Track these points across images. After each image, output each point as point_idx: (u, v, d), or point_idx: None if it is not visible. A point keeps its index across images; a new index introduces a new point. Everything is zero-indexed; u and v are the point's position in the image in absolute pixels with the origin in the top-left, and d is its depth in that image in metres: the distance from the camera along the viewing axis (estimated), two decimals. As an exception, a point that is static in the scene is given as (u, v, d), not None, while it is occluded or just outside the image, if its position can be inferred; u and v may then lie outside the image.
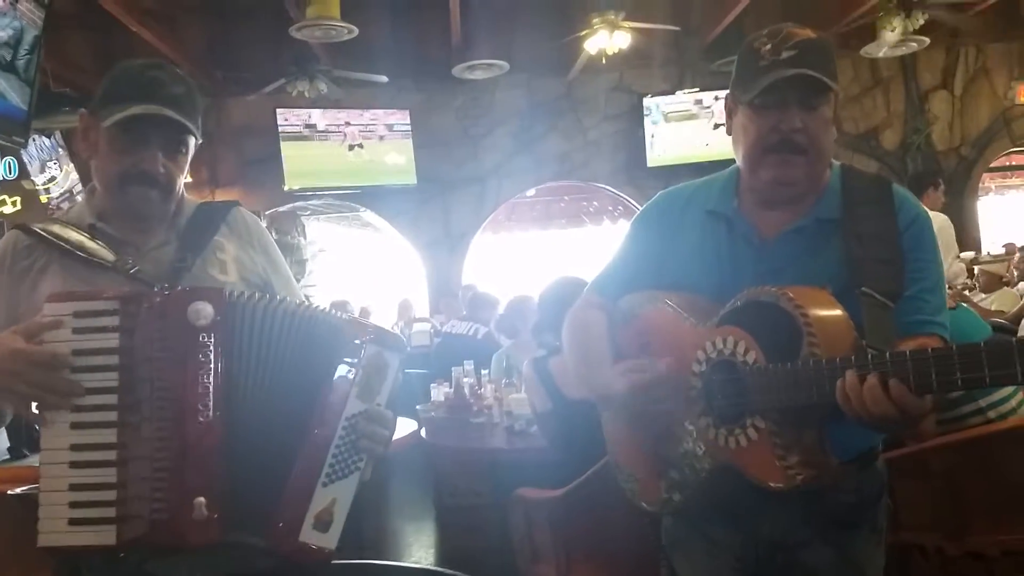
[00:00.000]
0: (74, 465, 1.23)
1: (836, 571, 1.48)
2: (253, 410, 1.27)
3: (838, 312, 1.28)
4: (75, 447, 1.23)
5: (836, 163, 1.53)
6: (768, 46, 1.42)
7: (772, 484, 1.30)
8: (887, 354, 1.15)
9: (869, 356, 1.16)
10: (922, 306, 1.39)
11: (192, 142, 1.49)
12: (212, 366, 1.24)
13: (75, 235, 1.44)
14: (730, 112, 1.53)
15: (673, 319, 1.50)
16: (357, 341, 1.31)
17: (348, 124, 8.22)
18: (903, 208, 1.44)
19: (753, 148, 1.45)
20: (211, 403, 1.23)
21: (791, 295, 1.26)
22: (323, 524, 1.27)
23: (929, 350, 1.10)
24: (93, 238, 1.45)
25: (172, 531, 1.22)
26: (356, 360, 1.30)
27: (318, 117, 8.12)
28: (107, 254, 1.42)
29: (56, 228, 1.46)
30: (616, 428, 1.64)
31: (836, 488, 1.44)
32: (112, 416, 1.23)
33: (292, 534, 1.25)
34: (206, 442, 1.22)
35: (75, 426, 1.23)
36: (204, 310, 1.24)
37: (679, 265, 1.55)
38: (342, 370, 1.29)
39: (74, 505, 1.22)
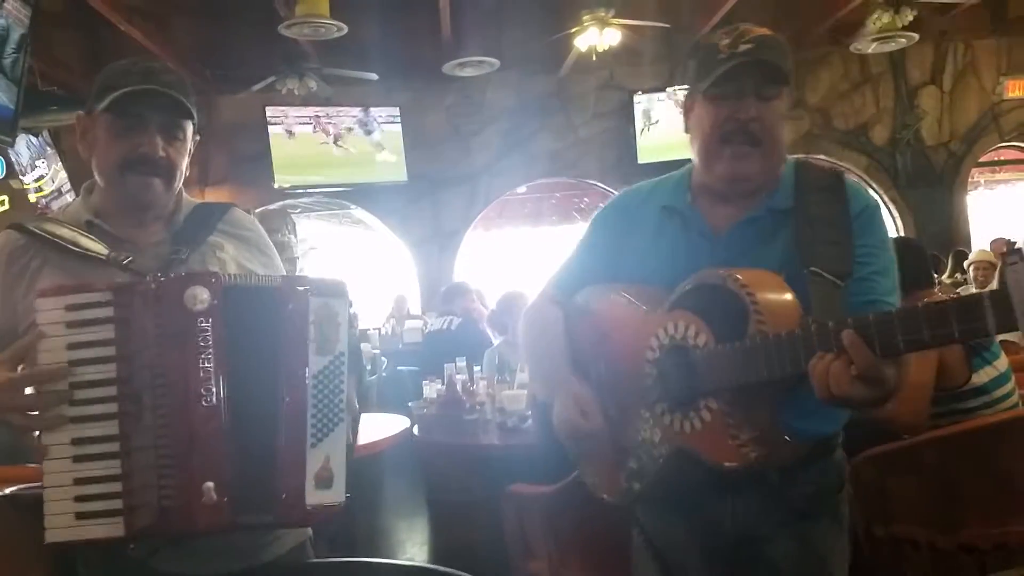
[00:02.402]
0: (77, 459, 1.22)
1: (798, 563, 1.50)
2: (248, 390, 1.27)
3: (783, 290, 1.31)
4: (77, 441, 1.23)
5: (791, 158, 1.56)
6: (726, 41, 1.46)
7: (726, 464, 1.31)
8: (829, 324, 1.17)
9: (813, 329, 1.19)
10: (872, 287, 1.42)
11: (190, 129, 1.49)
12: (211, 350, 1.23)
13: (68, 232, 1.44)
14: (688, 109, 1.56)
15: (626, 309, 1.53)
16: (300, 297, 1.30)
17: (338, 122, 8.20)
18: (855, 198, 1.48)
19: (709, 138, 1.48)
20: (213, 387, 1.23)
21: (738, 275, 1.30)
22: (325, 482, 1.29)
23: (870, 315, 1.14)
24: (88, 234, 1.44)
25: (182, 518, 1.22)
26: (305, 317, 1.29)
27: (308, 115, 8.09)
28: (101, 248, 1.42)
29: (50, 226, 1.45)
30: None
31: (795, 480, 1.46)
32: (112, 408, 1.23)
33: (298, 502, 1.26)
34: (211, 427, 1.22)
35: (76, 420, 1.23)
36: (200, 294, 1.24)
37: (635, 261, 1.59)
38: (295, 330, 1.29)
39: (80, 499, 1.21)
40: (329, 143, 8.17)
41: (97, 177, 1.50)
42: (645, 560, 1.62)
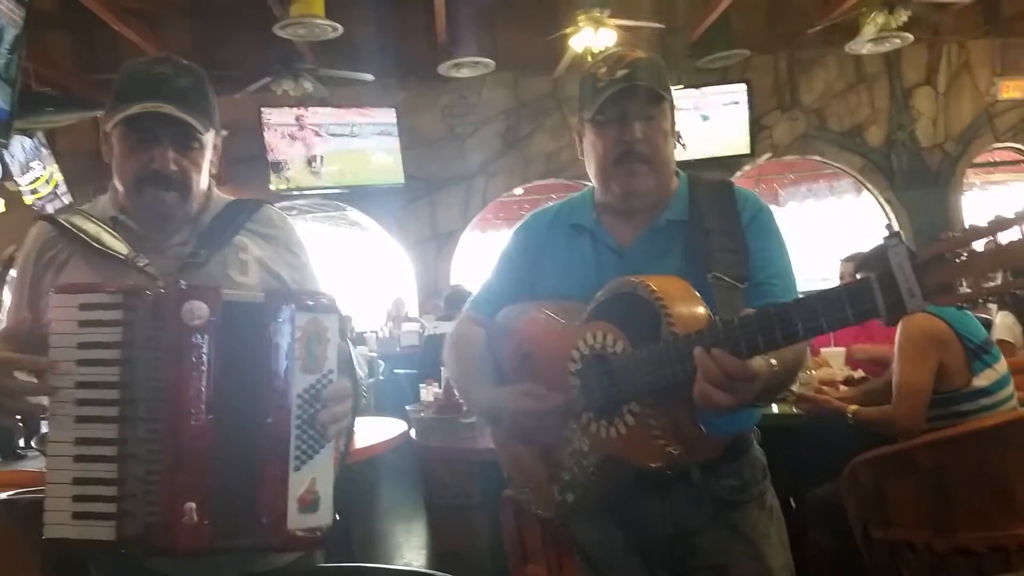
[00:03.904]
0: (78, 459, 1.21)
1: (730, 549, 1.55)
2: (236, 410, 1.24)
3: (690, 293, 1.38)
4: (79, 441, 1.22)
5: (683, 173, 1.67)
6: (603, 69, 1.57)
7: (652, 465, 1.36)
8: (734, 320, 1.24)
9: (720, 326, 1.25)
10: (771, 290, 1.51)
11: (208, 136, 1.46)
12: (205, 367, 1.21)
13: (94, 227, 1.43)
14: (579, 136, 1.67)
15: (547, 324, 1.59)
16: (284, 313, 1.26)
17: (333, 124, 8.18)
18: (746, 206, 1.59)
19: (602, 162, 1.59)
20: (203, 405, 1.21)
21: (648, 283, 1.36)
22: (310, 505, 1.25)
23: (770, 309, 1.22)
24: (112, 231, 1.44)
25: (163, 535, 1.20)
26: (290, 333, 1.25)
27: (303, 116, 8.07)
28: (121, 247, 1.41)
29: (78, 219, 1.45)
30: (504, 439, 1.69)
31: (717, 475, 1.53)
32: (114, 411, 1.21)
33: (279, 526, 1.23)
34: (198, 446, 1.20)
35: (80, 420, 1.22)
36: (199, 309, 1.21)
37: (551, 277, 1.67)
38: (280, 348, 1.25)
39: (77, 499, 1.21)
40: (324, 145, 8.14)
41: (116, 181, 1.48)
42: (585, 568, 1.67)
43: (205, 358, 1.22)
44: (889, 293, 1.09)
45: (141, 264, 1.39)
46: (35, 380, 1.27)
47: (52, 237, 1.46)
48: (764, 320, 1.20)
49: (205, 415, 1.21)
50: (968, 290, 1.07)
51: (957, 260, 1.06)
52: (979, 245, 1.06)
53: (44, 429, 1.36)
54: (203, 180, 1.49)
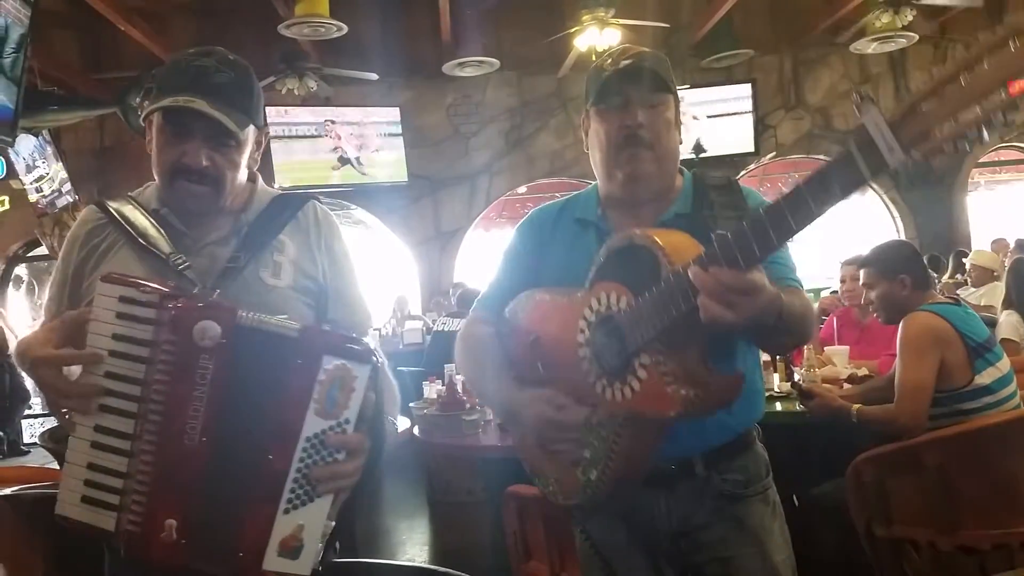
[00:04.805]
0: (95, 445, 1.23)
1: (733, 543, 1.56)
2: (235, 437, 1.23)
3: (687, 237, 1.38)
4: (99, 428, 1.23)
5: (688, 171, 1.68)
6: (609, 60, 1.60)
7: (670, 413, 1.34)
8: (728, 234, 1.21)
9: (713, 243, 1.22)
10: (774, 270, 1.48)
11: (246, 132, 1.43)
12: (207, 389, 1.20)
13: (143, 220, 1.43)
14: (586, 129, 1.67)
15: (551, 304, 1.59)
16: (312, 353, 1.22)
17: (336, 123, 8.20)
18: (750, 195, 1.61)
19: (606, 147, 1.59)
20: (199, 427, 1.20)
21: (646, 231, 1.38)
22: (291, 551, 1.22)
23: (761, 209, 1.22)
24: (157, 225, 1.43)
25: (139, 545, 1.21)
26: (312, 375, 1.21)
27: (308, 115, 8.09)
28: (164, 245, 1.40)
29: (127, 210, 1.45)
30: (525, 435, 1.67)
31: (721, 470, 1.57)
32: (133, 407, 1.22)
33: (255, 564, 1.21)
34: (189, 466, 1.20)
35: (103, 409, 1.23)
36: (210, 330, 1.19)
37: (554, 272, 1.65)
38: (298, 387, 1.21)
39: (88, 484, 1.22)
40: (328, 152, 8.16)
41: (155, 175, 1.47)
42: (590, 561, 1.66)
43: (209, 380, 1.20)
44: (870, 154, 1.08)
45: (181, 267, 1.38)
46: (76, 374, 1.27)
47: (101, 224, 1.46)
48: (756, 224, 1.18)
49: (199, 437, 1.20)
50: (946, 133, 1.05)
51: (928, 107, 1.06)
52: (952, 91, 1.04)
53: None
54: (239, 176, 1.46)
